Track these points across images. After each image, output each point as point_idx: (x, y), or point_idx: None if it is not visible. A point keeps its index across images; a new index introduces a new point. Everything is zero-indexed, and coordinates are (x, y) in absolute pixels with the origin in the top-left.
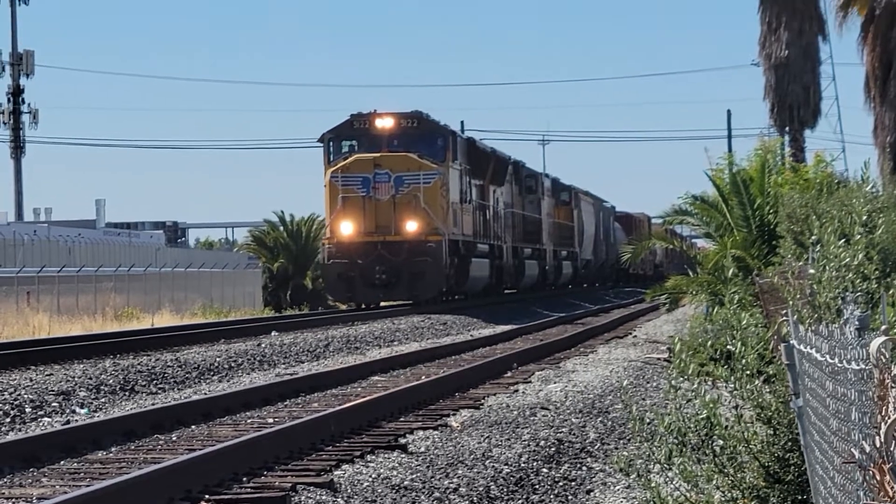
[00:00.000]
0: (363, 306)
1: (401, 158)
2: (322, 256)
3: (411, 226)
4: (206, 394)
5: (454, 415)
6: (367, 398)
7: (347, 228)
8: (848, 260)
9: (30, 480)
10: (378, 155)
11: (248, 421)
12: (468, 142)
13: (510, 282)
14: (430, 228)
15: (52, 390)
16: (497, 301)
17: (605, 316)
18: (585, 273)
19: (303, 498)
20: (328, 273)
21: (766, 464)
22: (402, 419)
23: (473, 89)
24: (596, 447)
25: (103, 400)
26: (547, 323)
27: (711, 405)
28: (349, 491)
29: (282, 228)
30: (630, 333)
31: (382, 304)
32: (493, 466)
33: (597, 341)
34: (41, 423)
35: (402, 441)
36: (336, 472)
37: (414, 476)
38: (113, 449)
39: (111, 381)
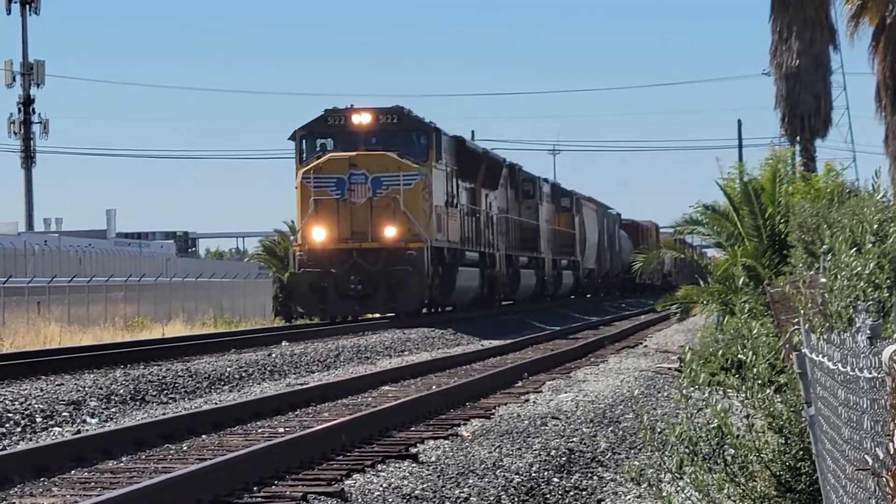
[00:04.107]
0: (338, 320)
1: (378, 158)
2: (292, 265)
3: (390, 231)
4: (216, 404)
5: (465, 424)
6: (378, 408)
7: (320, 234)
8: (859, 269)
9: (40, 490)
10: (354, 154)
11: (259, 431)
12: (456, 140)
13: (504, 292)
14: (411, 234)
15: (63, 400)
16: (487, 314)
17: (607, 329)
18: (588, 283)
19: None
20: (298, 283)
21: (778, 473)
22: (412, 429)
23: (484, 99)
24: (607, 457)
25: (114, 409)
26: (533, 339)
27: (723, 414)
28: (360, 500)
29: (292, 238)
30: (641, 343)
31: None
32: (504, 476)
33: (607, 351)
34: (52, 433)
35: (413, 451)
36: (347, 482)
37: (425, 485)
38: (123, 458)
39: (122, 390)
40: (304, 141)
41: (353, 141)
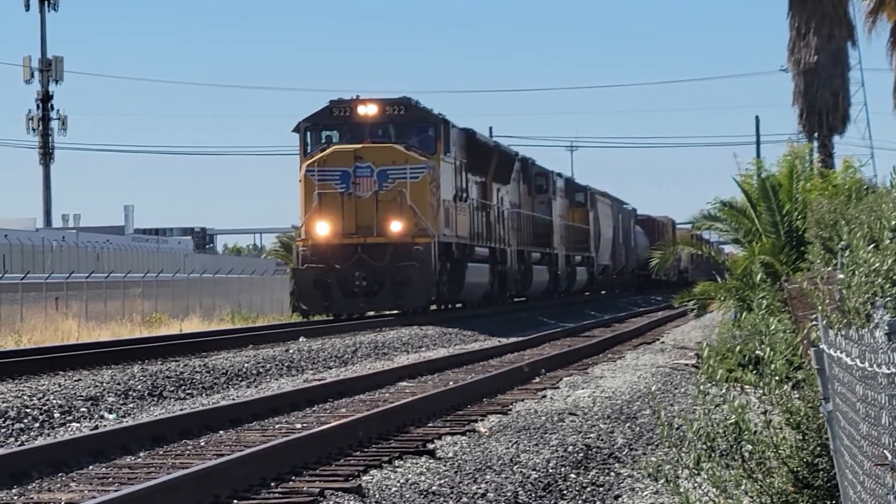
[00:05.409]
0: (343, 317)
1: (385, 150)
2: (295, 260)
3: (396, 226)
4: (234, 399)
5: (482, 420)
6: (396, 404)
7: (324, 229)
8: (877, 265)
9: (59, 485)
10: (359, 146)
11: (277, 426)
12: (465, 133)
13: (516, 289)
14: (418, 229)
15: (81, 395)
16: (498, 311)
17: (623, 325)
18: (603, 279)
19: (331, 503)
20: (301, 279)
21: (795, 469)
22: (430, 425)
23: (501, 95)
24: (624, 453)
25: (132, 405)
26: (548, 336)
27: (740, 410)
28: (377, 496)
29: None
30: (657, 340)
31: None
32: (522, 472)
33: (624, 347)
34: (70, 428)
35: (431, 446)
36: (364, 478)
37: (442, 481)
38: (141, 454)
39: (139, 386)
40: (308, 133)
41: (359, 133)
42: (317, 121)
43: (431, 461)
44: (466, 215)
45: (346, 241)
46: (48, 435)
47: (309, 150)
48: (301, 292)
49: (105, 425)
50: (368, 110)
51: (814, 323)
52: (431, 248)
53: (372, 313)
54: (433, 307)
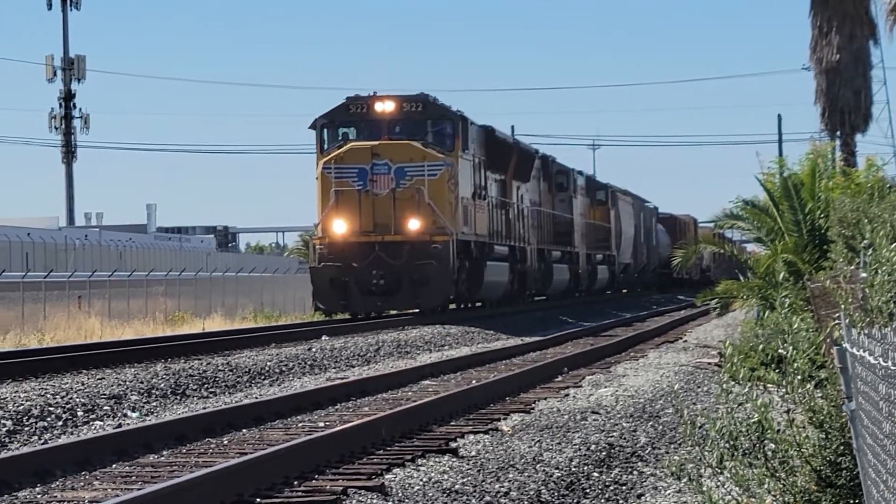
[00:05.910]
0: (360, 316)
1: (402, 147)
2: (311, 258)
3: (413, 224)
4: (257, 398)
5: (505, 419)
6: (418, 402)
7: (341, 227)
8: None
9: (82, 483)
10: (376, 143)
11: (300, 425)
12: (484, 130)
13: (536, 288)
14: (436, 227)
15: (104, 394)
16: (518, 310)
17: (645, 324)
18: (624, 278)
19: (354, 502)
20: (318, 278)
21: (818, 468)
22: (453, 423)
23: (524, 94)
24: (647, 451)
25: (155, 404)
26: (570, 335)
27: (763, 409)
28: (400, 495)
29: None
30: (680, 338)
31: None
32: (544, 470)
33: (647, 346)
34: (93, 427)
35: (453, 445)
36: (387, 476)
37: (465, 480)
38: (164, 452)
39: (162, 384)
40: (325, 130)
41: (376, 130)
42: (333, 118)
43: (454, 460)
44: (485, 213)
45: (364, 240)
46: (71, 433)
47: (326, 148)
48: (318, 290)
49: (128, 424)
50: (386, 107)
51: (836, 322)
52: (450, 246)
53: (393, 312)
54: (452, 306)
